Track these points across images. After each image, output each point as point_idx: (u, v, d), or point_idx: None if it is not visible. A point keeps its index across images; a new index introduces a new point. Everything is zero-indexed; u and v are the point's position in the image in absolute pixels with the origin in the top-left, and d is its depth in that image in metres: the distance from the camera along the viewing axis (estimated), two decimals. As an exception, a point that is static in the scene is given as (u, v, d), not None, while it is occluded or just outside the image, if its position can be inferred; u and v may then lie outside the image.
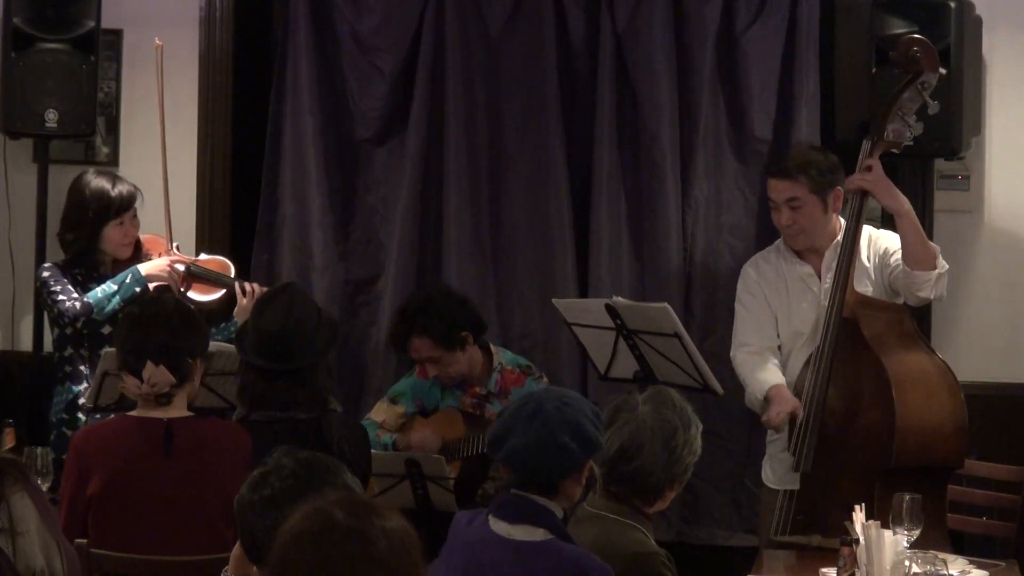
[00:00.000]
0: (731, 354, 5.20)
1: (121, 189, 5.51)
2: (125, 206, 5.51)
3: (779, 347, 5.17)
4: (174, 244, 5.68)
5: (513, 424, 3.42)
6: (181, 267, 5.58)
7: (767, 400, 4.98)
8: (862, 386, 4.80)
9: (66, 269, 5.52)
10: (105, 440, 4.28)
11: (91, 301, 5.42)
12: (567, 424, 3.39)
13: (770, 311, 5.18)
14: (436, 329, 5.40)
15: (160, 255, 5.61)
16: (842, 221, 5.15)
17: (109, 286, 5.44)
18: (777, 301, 5.19)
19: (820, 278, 5.13)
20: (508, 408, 3.53)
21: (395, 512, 2.40)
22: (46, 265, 5.58)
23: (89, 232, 5.50)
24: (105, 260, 5.55)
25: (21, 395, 6.14)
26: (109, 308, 5.39)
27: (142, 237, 5.63)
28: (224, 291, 5.59)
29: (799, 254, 5.19)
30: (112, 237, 5.52)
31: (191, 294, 5.53)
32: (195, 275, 5.61)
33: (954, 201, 5.92)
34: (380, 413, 5.61)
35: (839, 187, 5.12)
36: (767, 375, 5.05)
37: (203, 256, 5.80)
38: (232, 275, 5.66)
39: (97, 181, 5.52)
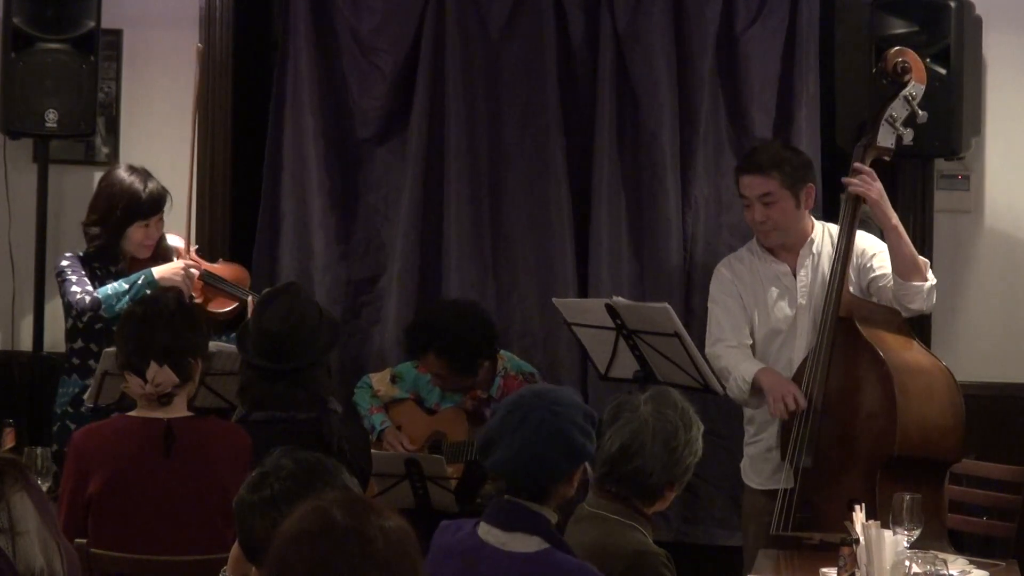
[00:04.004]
0: (707, 351, 5.17)
1: (153, 191, 5.51)
2: (154, 209, 5.52)
3: (752, 347, 5.17)
4: (193, 248, 5.69)
5: (500, 434, 3.39)
6: (196, 272, 5.57)
7: (757, 386, 5.00)
8: (861, 381, 4.82)
9: (86, 261, 5.53)
10: (105, 440, 4.27)
11: (100, 297, 5.43)
12: (552, 436, 3.36)
13: (745, 312, 5.19)
14: (455, 356, 5.40)
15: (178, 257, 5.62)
16: (814, 220, 5.20)
17: (120, 285, 5.45)
18: (753, 301, 5.19)
19: (795, 276, 5.15)
20: (498, 413, 3.48)
21: (393, 512, 2.40)
22: (67, 254, 5.58)
23: (114, 229, 5.51)
24: (124, 257, 5.56)
25: (21, 395, 6.14)
26: (118, 307, 5.38)
27: (169, 238, 5.64)
28: (236, 304, 5.58)
29: (773, 253, 5.20)
30: (135, 237, 5.53)
31: (207, 306, 5.53)
32: (209, 284, 5.61)
33: (954, 201, 5.92)
34: (381, 382, 5.65)
35: (811, 184, 5.16)
36: (750, 363, 5.07)
37: (220, 263, 5.80)
38: (247, 286, 5.65)
39: (130, 179, 5.52)
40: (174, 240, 5.68)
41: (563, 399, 3.45)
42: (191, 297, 5.47)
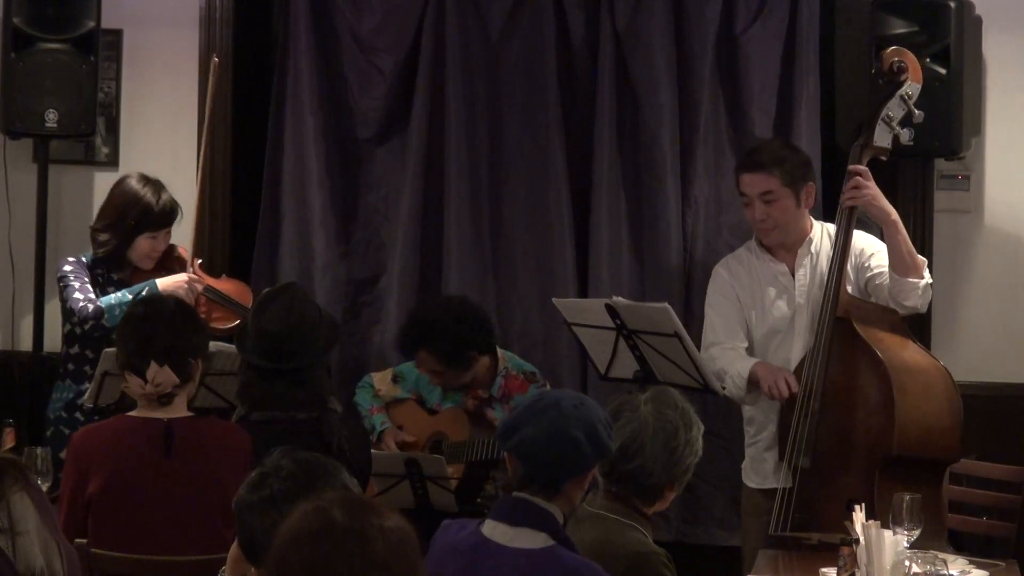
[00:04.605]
0: (702, 353, 5.16)
1: (165, 204, 5.51)
2: (166, 222, 5.53)
3: (747, 349, 5.18)
4: (197, 261, 5.69)
5: (527, 415, 3.38)
6: (199, 287, 5.57)
7: (753, 379, 5.01)
8: (859, 381, 4.82)
9: (90, 267, 5.53)
10: (105, 440, 4.28)
11: (103, 307, 5.42)
12: (582, 422, 3.35)
13: (742, 314, 5.20)
14: (445, 348, 5.40)
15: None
16: (813, 220, 5.20)
17: (124, 295, 5.44)
18: (751, 300, 5.20)
19: (794, 276, 5.15)
20: (523, 401, 3.49)
21: (394, 511, 2.40)
22: (70, 259, 5.57)
23: (123, 237, 5.51)
24: (128, 266, 5.56)
25: (21, 395, 6.14)
26: (120, 317, 5.38)
27: (178, 247, 5.64)
28: (238, 320, 5.57)
29: (772, 252, 5.21)
30: (141, 247, 5.53)
31: (211, 322, 5.51)
32: (212, 300, 5.61)
33: (954, 201, 5.92)
34: (383, 382, 5.65)
35: (811, 183, 5.17)
36: (745, 361, 5.08)
37: (223, 279, 5.79)
38: (249, 303, 5.64)
39: (144, 190, 5.51)
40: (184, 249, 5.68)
41: (587, 399, 3.48)
42: None
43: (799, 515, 4.78)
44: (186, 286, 5.51)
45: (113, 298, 5.44)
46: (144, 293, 5.42)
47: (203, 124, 5.83)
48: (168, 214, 5.53)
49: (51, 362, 5.85)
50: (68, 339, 5.54)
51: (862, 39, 5.67)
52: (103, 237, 5.53)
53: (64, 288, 5.49)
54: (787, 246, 5.19)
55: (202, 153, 5.76)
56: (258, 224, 6.24)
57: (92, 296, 5.45)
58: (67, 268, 5.52)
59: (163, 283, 5.50)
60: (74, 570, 3.36)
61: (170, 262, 5.63)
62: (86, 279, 5.49)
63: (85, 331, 5.44)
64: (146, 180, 5.57)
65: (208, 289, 5.63)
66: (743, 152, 5.83)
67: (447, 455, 5.33)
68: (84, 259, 5.56)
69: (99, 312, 5.41)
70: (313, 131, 6.16)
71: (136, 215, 5.49)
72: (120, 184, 5.59)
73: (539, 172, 6.08)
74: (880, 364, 4.75)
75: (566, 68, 6.09)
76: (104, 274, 5.54)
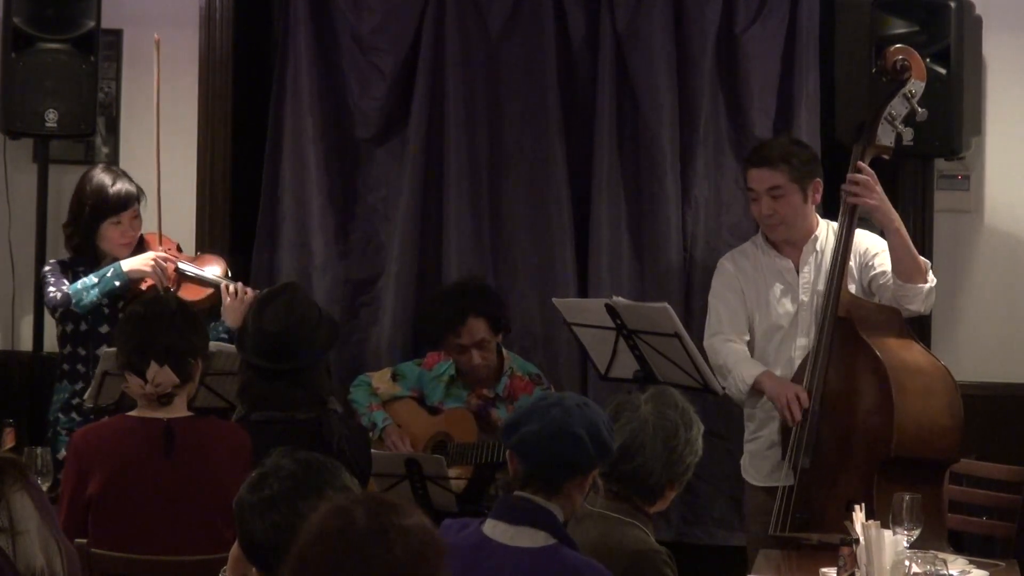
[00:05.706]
0: (704, 343, 5.19)
1: (120, 188, 5.49)
2: (122, 206, 5.49)
3: (749, 344, 5.19)
4: (173, 244, 5.67)
5: (531, 412, 3.41)
6: (171, 264, 5.55)
7: (757, 388, 5.02)
8: (859, 381, 4.83)
9: (69, 266, 5.53)
10: (105, 440, 4.27)
11: (70, 292, 5.43)
12: (585, 420, 3.38)
13: (745, 307, 5.21)
14: (493, 312, 5.48)
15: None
16: (819, 218, 5.21)
17: (90, 279, 5.44)
18: (755, 295, 5.21)
19: (799, 272, 5.16)
20: (528, 400, 3.51)
21: (416, 510, 2.39)
22: (51, 261, 5.62)
23: (86, 228, 5.50)
24: (106, 257, 5.55)
25: (21, 395, 6.14)
26: (87, 300, 5.39)
27: (144, 235, 5.62)
28: (211, 291, 5.55)
29: (777, 248, 5.21)
30: (109, 236, 5.51)
31: (179, 294, 5.49)
32: (183, 273, 5.58)
33: (954, 201, 5.92)
34: (381, 380, 5.65)
35: (818, 179, 5.17)
36: (749, 366, 5.09)
37: (196, 254, 5.78)
38: (221, 274, 5.61)
39: (99, 177, 5.51)
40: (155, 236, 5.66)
41: (591, 401, 3.51)
42: (166, 288, 5.45)
43: (799, 515, 4.78)
44: (153, 263, 5.48)
45: (79, 283, 5.45)
46: (109, 274, 5.42)
47: (158, 107, 5.76)
48: (123, 198, 5.48)
49: (51, 362, 5.85)
50: (61, 340, 5.54)
51: (862, 39, 5.67)
52: (68, 231, 5.55)
53: (43, 287, 5.51)
54: (793, 242, 5.19)
55: (158, 135, 5.68)
56: (257, 224, 6.24)
57: (65, 288, 5.45)
58: (47, 268, 5.56)
59: (128, 262, 5.48)
60: (74, 570, 3.36)
61: (145, 249, 5.61)
62: (61, 277, 5.49)
63: (71, 326, 5.44)
64: (106, 168, 5.60)
65: (178, 265, 5.58)
66: (744, 151, 5.84)
67: (453, 456, 5.33)
68: (65, 259, 5.57)
69: (67, 299, 5.42)
70: (312, 131, 6.16)
71: (92, 203, 5.48)
72: (82, 176, 5.60)
73: (539, 172, 6.08)
74: (880, 364, 4.75)
75: (566, 68, 6.09)
76: (85, 270, 5.53)
